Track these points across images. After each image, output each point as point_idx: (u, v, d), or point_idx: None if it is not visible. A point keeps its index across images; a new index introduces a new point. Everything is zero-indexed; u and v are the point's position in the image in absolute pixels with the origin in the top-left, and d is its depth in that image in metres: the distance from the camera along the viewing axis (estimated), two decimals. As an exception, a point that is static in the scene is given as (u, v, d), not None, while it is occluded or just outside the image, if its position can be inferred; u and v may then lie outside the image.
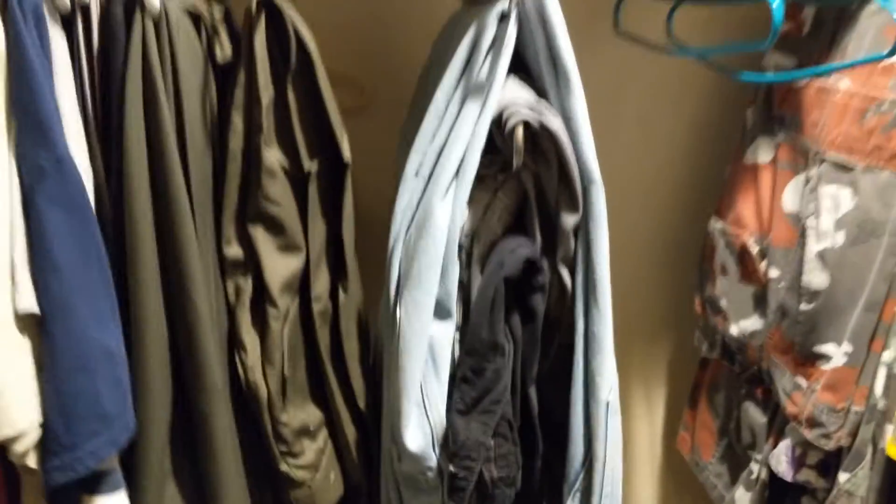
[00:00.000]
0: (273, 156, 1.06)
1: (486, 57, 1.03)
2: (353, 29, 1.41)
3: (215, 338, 1.06)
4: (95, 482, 0.98)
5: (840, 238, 1.20)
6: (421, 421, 1.05)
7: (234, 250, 1.09)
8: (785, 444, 1.32)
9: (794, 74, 1.28)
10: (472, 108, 1.02)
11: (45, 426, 0.94)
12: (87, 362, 0.94)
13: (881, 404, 1.22)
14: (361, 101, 1.41)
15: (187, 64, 0.99)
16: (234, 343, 1.10)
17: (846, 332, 1.22)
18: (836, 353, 1.23)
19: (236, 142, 1.06)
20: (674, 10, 1.35)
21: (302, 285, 1.14)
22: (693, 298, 1.54)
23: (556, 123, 1.00)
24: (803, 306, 1.25)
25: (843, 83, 1.20)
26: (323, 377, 1.18)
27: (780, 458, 1.33)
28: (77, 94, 0.96)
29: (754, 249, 1.35)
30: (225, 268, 1.09)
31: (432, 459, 1.06)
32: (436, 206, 1.02)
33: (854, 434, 1.24)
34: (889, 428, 1.21)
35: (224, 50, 1.06)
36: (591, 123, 1.02)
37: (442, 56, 1.14)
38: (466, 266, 1.07)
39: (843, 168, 1.19)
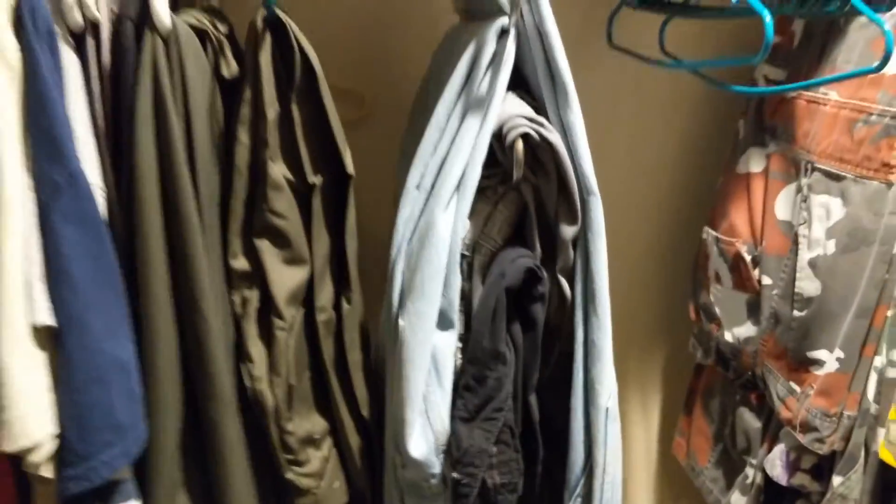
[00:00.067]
0: (278, 170, 1.07)
1: (486, 72, 1.04)
2: (352, 41, 1.42)
3: (224, 349, 1.07)
4: (109, 492, 1.00)
5: (831, 246, 1.22)
6: (424, 429, 1.06)
7: (240, 263, 1.10)
8: (779, 449, 1.33)
9: (784, 87, 1.30)
10: (472, 121, 1.04)
11: (61, 437, 0.96)
12: (101, 375, 0.95)
13: (873, 409, 1.22)
14: (362, 113, 1.42)
15: (196, 81, 1.00)
16: (240, 354, 1.11)
17: (838, 339, 1.23)
18: (829, 358, 1.24)
19: (242, 157, 1.07)
20: (666, 23, 1.37)
21: (306, 296, 1.15)
22: (687, 306, 1.55)
23: (555, 137, 1.02)
24: (796, 313, 1.27)
25: (832, 95, 1.22)
26: (327, 386, 1.19)
27: (775, 463, 1.33)
28: (88, 110, 0.98)
29: (747, 257, 1.37)
30: (231, 280, 1.10)
31: (436, 467, 1.08)
32: (438, 217, 1.03)
33: (847, 438, 1.24)
34: (881, 432, 1.23)
35: (230, 66, 1.07)
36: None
37: (442, 70, 1.16)
38: (468, 276, 1.08)
39: (834, 177, 1.21)
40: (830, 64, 1.23)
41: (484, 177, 1.04)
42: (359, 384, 1.20)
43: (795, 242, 1.27)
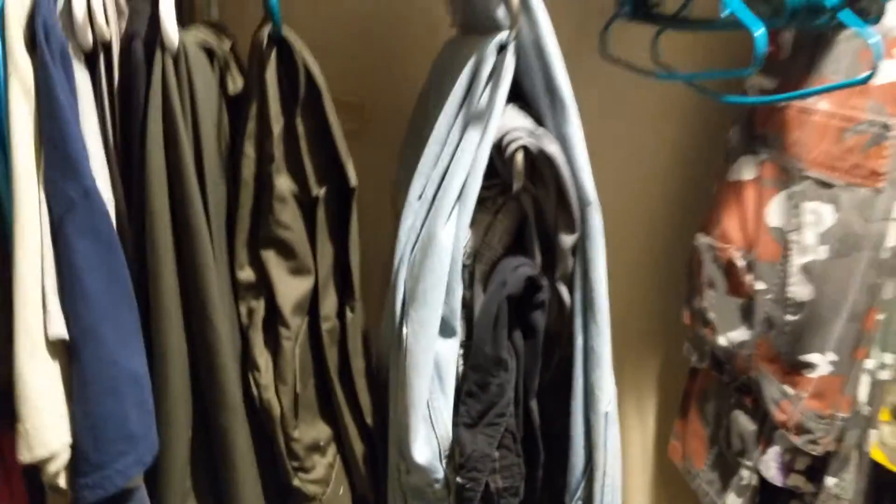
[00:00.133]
0: (284, 183, 1.08)
1: (485, 86, 1.05)
2: (350, 51, 1.42)
3: (233, 358, 1.09)
4: (122, 500, 1.01)
5: (823, 252, 1.24)
6: (428, 435, 1.08)
7: (246, 274, 1.11)
8: (774, 451, 1.35)
9: (775, 98, 1.31)
10: (473, 134, 1.05)
11: (76, 447, 0.97)
12: (115, 386, 0.97)
13: (866, 410, 1.25)
14: (361, 123, 1.43)
15: (204, 98, 1.02)
16: (246, 363, 1.12)
17: (830, 342, 1.25)
18: (822, 362, 1.26)
19: (248, 170, 1.08)
20: (658, 35, 1.38)
21: (310, 306, 1.16)
22: (682, 311, 1.56)
23: (553, 148, 1.03)
24: (789, 317, 1.29)
25: (822, 104, 1.23)
26: (331, 394, 1.20)
27: (770, 464, 1.35)
28: (99, 126, 0.99)
29: (740, 263, 1.38)
30: (238, 291, 1.11)
31: (439, 472, 1.09)
32: (440, 228, 1.04)
33: (840, 439, 1.27)
34: (873, 433, 1.25)
35: (235, 83, 1.09)
36: (581, 146, 1.06)
37: (441, 82, 1.17)
38: (469, 285, 1.10)
39: (825, 185, 1.23)
40: (819, 74, 1.25)
41: (484, 188, 1.05)
42: (362, 391, 1.21)
43: (787, 248, 1.28)
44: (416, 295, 1.06)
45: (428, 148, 1.11)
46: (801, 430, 1.29)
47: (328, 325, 1.17)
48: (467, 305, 1.10)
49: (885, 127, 1.16)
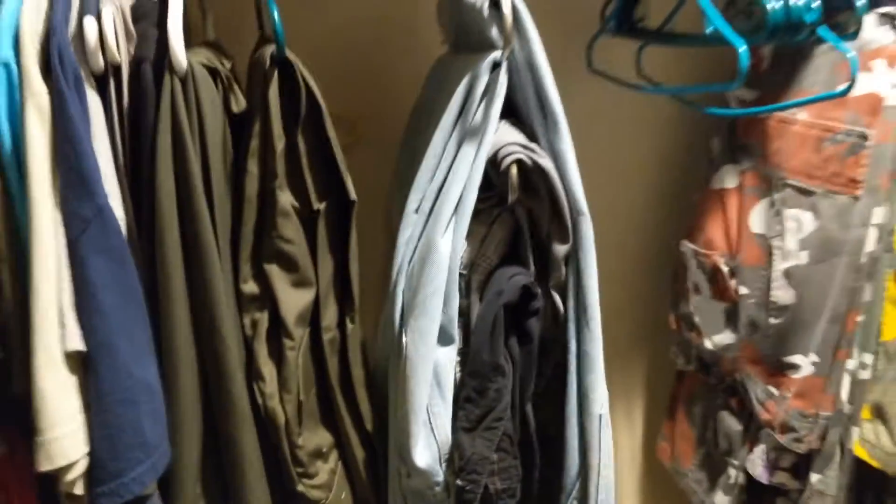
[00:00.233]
0: (286, 198, 1.10)
1: (480, 103, 1.08)
2: (344, 66, 1.44)
3: (241, 369, 1.11)
4: (137, 507, 1.03)
5: (804, 257, 1.27)
6: (428, 439, 1.09)
7: (250, 287, 1.13)
8: (760, 450, 1.38)
9: (756, 109, 1.34)
10: (468, 149, 1.07)
11: (93, 456, 0.99)
12: (130, 396, 0.99)
13: (847, 409, 1.27)
14: (356, 137, 1.42)
15: (211, 118, 1.04)
16: (251, 373, 1.14)
17: (813, 344, 1.28)
18: (805, 363, 1.29)
19: (252, 187, 1.10)
20: (641, 49, 1.41)
21: (311, 317, 1.18)
22: (668, 316, 1.58)
23: (546, 162, 1.06)
24: (772, 321, 1.32)
25: (801, 115, 1.26)
26: (332, 402, 1.21)
27: (756, 463, 1.38)
28: (110, 147, 1.01)
29: (724, 269, 1.40)
30: (242, 303, 1.13)
31: (439, 475, 1.11)
32: (438, 239, 1.06)
33: (823, 437, 1.29)
34: (855, 430, 1.28)
35: (238, 102, 1.11)
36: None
37: (435, 99, 1.19)
38: (466, 294, 1.11)
39: (805, 192, 1.26)
40: (798, 86, 1.28)
41: (480, 200, 1.07)
42: (362, 399, 1.23)
43: (770, 254, 1.31)
44: (415, 304, 1.08)
45: (424, 162, 1.13)
46: (785, 428, 1.32)
47: (329, 335, 1.19)
48: (464, 314, 1.12)
49: (863, 137, 1.20)
